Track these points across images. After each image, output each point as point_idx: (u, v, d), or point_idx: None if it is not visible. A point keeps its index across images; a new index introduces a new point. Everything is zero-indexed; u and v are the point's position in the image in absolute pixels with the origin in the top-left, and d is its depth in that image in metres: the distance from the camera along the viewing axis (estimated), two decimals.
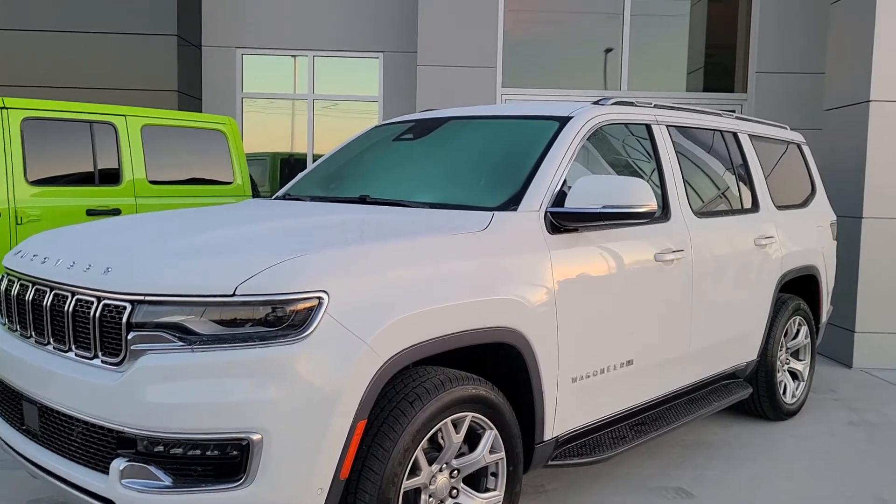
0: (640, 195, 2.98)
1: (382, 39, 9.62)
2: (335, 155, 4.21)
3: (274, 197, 4.03)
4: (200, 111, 9.37)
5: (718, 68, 9.37)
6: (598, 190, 2.98)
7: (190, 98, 9.08)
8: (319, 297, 2.25)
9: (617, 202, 2.96)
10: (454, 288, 2.58)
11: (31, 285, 2.60)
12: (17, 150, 4.80)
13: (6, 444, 2.67)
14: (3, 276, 2.87)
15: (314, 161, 9.95)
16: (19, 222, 4.77)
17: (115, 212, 5.21)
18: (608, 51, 9.02)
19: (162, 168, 5.56)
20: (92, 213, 5.09)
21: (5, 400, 2.71)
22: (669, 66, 9.41)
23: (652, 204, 3.02)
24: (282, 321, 2.21)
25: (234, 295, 2.18)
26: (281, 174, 10.33)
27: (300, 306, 2.22)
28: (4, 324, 2.83)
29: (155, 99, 8.34)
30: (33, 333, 2.58)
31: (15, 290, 2.69)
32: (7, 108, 4.79)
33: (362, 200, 3.35)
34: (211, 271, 2.25)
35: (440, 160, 3.63)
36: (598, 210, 2.96)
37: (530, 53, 9.14)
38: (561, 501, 3.43)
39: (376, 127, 4.28)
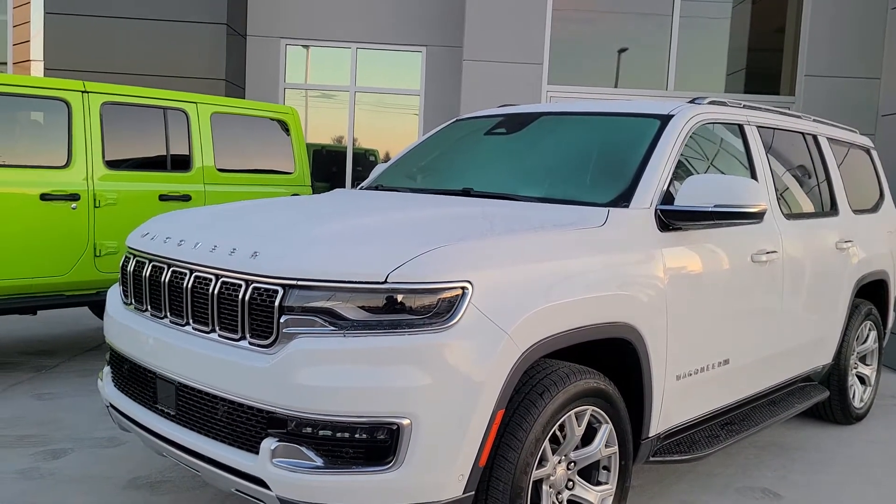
0: (752, 195, 3.00)
1: (426, 33, 9.64)
2: (419, 147, 4.24)
3: (360, 187, 4.06)
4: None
5: (762, 70, 9.37)
6: (708, 189, 3.00)
7: (234, 87, 9.12)
8: (464, 287, 2.28)
9: (728, 201, 2.97)
10: (581, 282, 2.61)
11: (166, 267, 2.64)
12: (97, 133, 4.84)
13: (134, 421, 2.71)
14: (128, 257, 2.91)
15: (353, 153, 10.00)
16: (97, 205, 4.81)
17: (186, 198, 5.26)
18: (652, 51, 9.02)
19: (228, 156, 5.60)
20: (165, 198, 5.14)
21: (133, 379, 2.76)
22: (713, 66, 9.41)
23: (763, 204, 3.03)
24: (429, 309, 2.24)
25: (385, 282, 2.22)
26: (315, 165, 10.35)
27: (446, 295, 2.26)
28: (129, 304, 2.87)
29: (202, 87, 8.39)
30: (168, 314, 2.62)
31: (147, 271, 2.73)
32: (88, 92, 4.83)
33: (466, 193, 3.37)
34: (362, 258, 2.28)
35: (540, 155, 3.65)
36: (710, 209, 2.97)
37: (577, 52, 9.15)
38: (651, 498, 3.47)
39: (458, 120, 4.31)
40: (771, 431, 4.46)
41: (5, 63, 8.98)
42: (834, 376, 4.45)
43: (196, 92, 7.49)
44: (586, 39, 9.28)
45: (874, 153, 5.24)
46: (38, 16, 8.23)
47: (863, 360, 4.84)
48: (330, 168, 10.37)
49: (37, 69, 9.03)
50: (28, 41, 8.77)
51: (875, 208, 4.95)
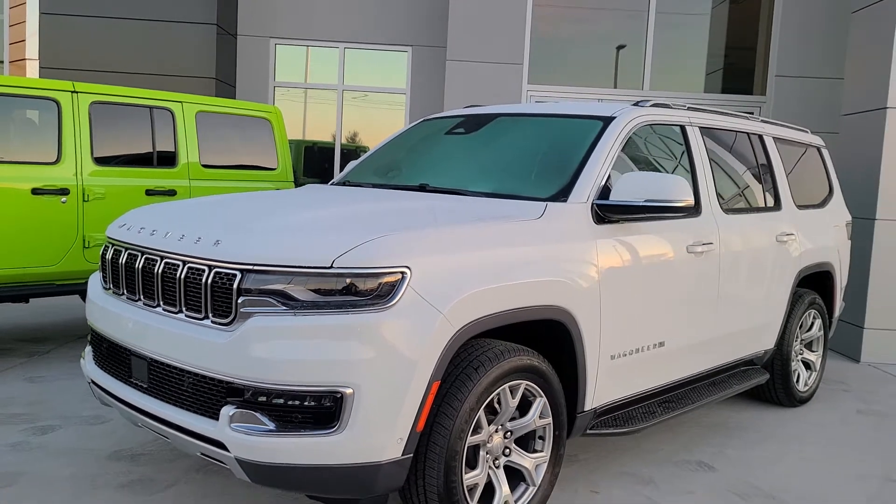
0: (679, 191, 3.28)
1: (411, 34, 9.91)
2: (387, 146, 4.52)
3: (331, 183, 4.34)
4: (234, 98, 9.71)
5: (738, 70, 9.64)
6: (640, 185, 3.28)
7: (225, 85, 9.39)
8: (403, 272, 2.56)
9: (658, 197, 3.26)
10: (515, 269, 2.89)
11: (140, 255, 2.92)
12: (86, 131, 5.12)
13: (112, 395, 3.00)
14: (107, 246, 3.19)
15: (341, 149, 10.28)
16: (86, 199, 5.10)
17: (171, 193, 5.54)
18: (629, 50, 9.28)
19: (212, 153, 5.89)
20: (151, 193, 5.43)
21: (111, 356, 3.04)
22: (690, 66, 9.68)
23: (689, 199, 3.32)
24: (371, 292, 2.52)
25: (331, 267, 2.50)
26: (305, 161, 10.64)
27: (387, 279, 2.54)
28: (108, 288, 3.15)
29: (193, 85, 8.67)
30: (142, 297, 2.90)
31: (123, 258, 3.01)
32: (77, 92, 5.11)
33: (422, 188, 3.66)
34: (311, 246, 2.57)
35: (492, 153, 3.93)
36: (641, 203, 3.26)
37: (556, 51, 9.41)
38: (593, 470, 3.75)
39: (425, 120, 4.58)
40: (717, 412, 4.76)
41: (2, 62, 9.26)
42: (777, 361, 4.74)
43: (187, 90, 7.78)
44: (566, 40, 9.54)
45: (825, 152, 5.51)
46: (34, 16, 8.49)
47: (808, 346, 5.13)
48: (320, 164, 10.65)
49: (32, 68, 9.30)
50: (24, 40, 9.05)
51: (822, 204, 5.24)
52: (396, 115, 10.23)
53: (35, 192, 4.90)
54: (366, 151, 10.71)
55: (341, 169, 10.28)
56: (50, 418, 4.11)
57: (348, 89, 10.13)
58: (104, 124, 5.23)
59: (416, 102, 9.95)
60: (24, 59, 9.29)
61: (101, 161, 5.22)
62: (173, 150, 5.64)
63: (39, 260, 4.97)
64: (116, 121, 5.32)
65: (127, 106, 5.40)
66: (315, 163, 10.63)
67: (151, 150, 5.53)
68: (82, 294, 5.75)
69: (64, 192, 5.01)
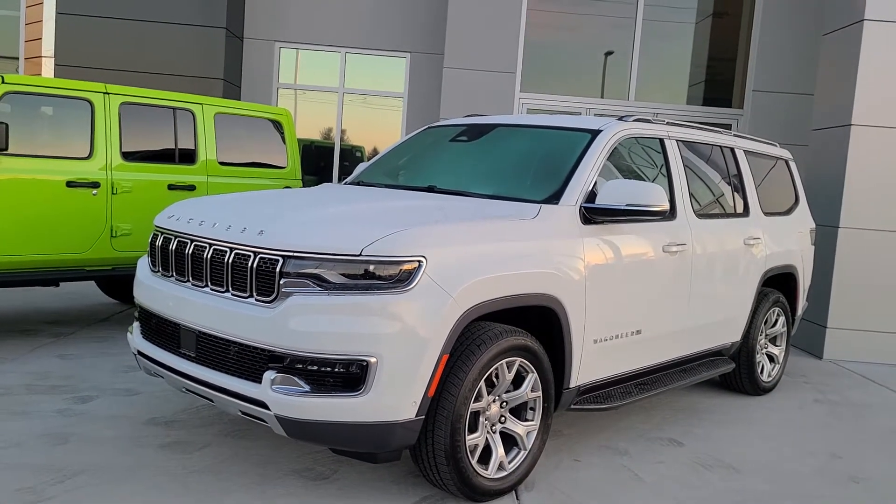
0: (656, 197, 3.77)
1: (410, 40, 10.37)
2: (394, 150, 4.98)
3: (344, 182, 4.80)
4: (239, 99, 10.13)
5: (718, 84, 10.19)
6: (623, 191, 3.77)
7: (231, 86, 9.81)
8: (420, 261, 3.02)
9: (637, 202, 3.74)
10: (512, 261, 3.36)
11: (189, 242, 3.37)
12: (115, 129, 5.55)
13: (160, 364, 3.44)
14: (156, 234, 3.63)
15: (341, 149, 10.73)
16: (115, 192, 5.52)
17: (191, 188, 5.97)
18: (617, 61, 9.80)
19: (228, 151, 6.32)
20: (173, 187, 5.85)
21: (160, 330, 3.49)
22: (673, 78, 10.21)
23: (665, 204, 3.81)
24: (393, 276, 2.98)
25: (360, 255, 2.95)
26: (304, 159, 11.04)
27: (406, 266, 3.00)
28: (156, 271, 3.59)
29: (201, 85, 9.09)
30: (191, 278, 3.35)
31: (173, 245, 3.46)
32: (109, 94, 5.53)
33: (430, 189, 4.12)
34: (343, 237, 3.02)
35: (492, 159, 4.41)
36: (622, 207, 3.75)
37: (547, 61, 9.92)
38: (576, 443, 4.24)
39: (430, 127, 5.05)
40: (688, 397, 5.26)
41: (17, 58, 9.63)
42: (743, 353, 5.25)
43: (196, 90, 8.20)
44: (556, 50, 10.05)
45: (792, 164, 6.03)
46: (50, 15, 8.87)
47: (773, 341, 5.65)
48: (319, 163, 11.10)
49: (47, 65, 9.67)
50: (40, 39, 9.41)
51: (788, 212, 5.76)
52: (394, 119, 10.68)
53: (69, 184, 5.32)
54: (362, 151, 11.20)
55: (340, 168, 10.73)
56: (87, 390, 4.54)
57: (348, 92, 10.58)
58: (132, 123, 5.66)
59: (412, 106, 10.42)
60: (40, 57, 9.65)
61: (128, 157, 5.64)
62: (193, 147, 6.07)
63: (71, 247, 5.39)
64: (143, 120, 5.75)
65: (152, 107, 5.83)
66: (314, 161, 11.07)
67: (174, 148, 5.96)
68: (100, 282, 6.19)
69: (95, 185, 5.43)
